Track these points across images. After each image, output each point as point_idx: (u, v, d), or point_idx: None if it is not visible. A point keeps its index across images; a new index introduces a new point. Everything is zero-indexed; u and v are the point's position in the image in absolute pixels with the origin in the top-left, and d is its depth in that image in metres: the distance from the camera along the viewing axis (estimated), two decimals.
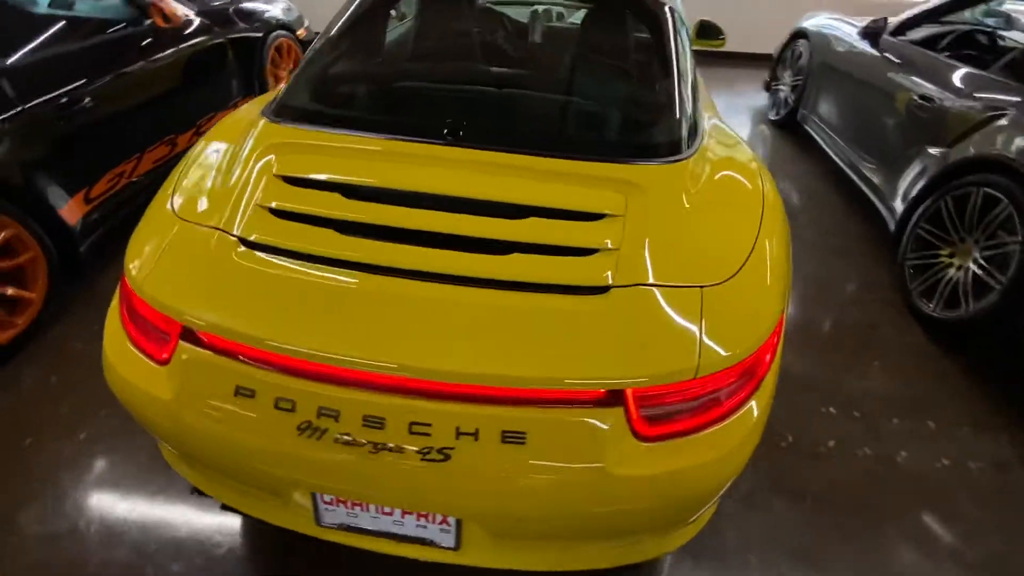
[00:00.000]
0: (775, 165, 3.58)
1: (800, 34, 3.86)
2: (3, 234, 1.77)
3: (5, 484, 1.48)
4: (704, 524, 1.16)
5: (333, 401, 0.86)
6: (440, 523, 0.97)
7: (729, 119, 4.23)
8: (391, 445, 0.84)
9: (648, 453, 0.88)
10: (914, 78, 2.60)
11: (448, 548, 1.02)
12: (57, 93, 1.98)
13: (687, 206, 1.12)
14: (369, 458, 0.85)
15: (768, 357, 1.01)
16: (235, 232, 1.01)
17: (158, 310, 0.94)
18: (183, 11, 2.47)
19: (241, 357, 0.89)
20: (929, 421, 1.82)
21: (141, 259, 1.04)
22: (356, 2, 1.49)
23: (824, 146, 3.40)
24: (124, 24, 2.38)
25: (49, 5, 2.57)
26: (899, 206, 2.49)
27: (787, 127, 4.06)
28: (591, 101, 1.43)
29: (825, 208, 3.11)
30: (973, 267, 2.06)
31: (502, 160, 1.12)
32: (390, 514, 0.97)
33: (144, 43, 2.38)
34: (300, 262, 0.96)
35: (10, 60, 1.91)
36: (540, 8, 1.82)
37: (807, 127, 3.69)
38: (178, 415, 0.93)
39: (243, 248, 0.99)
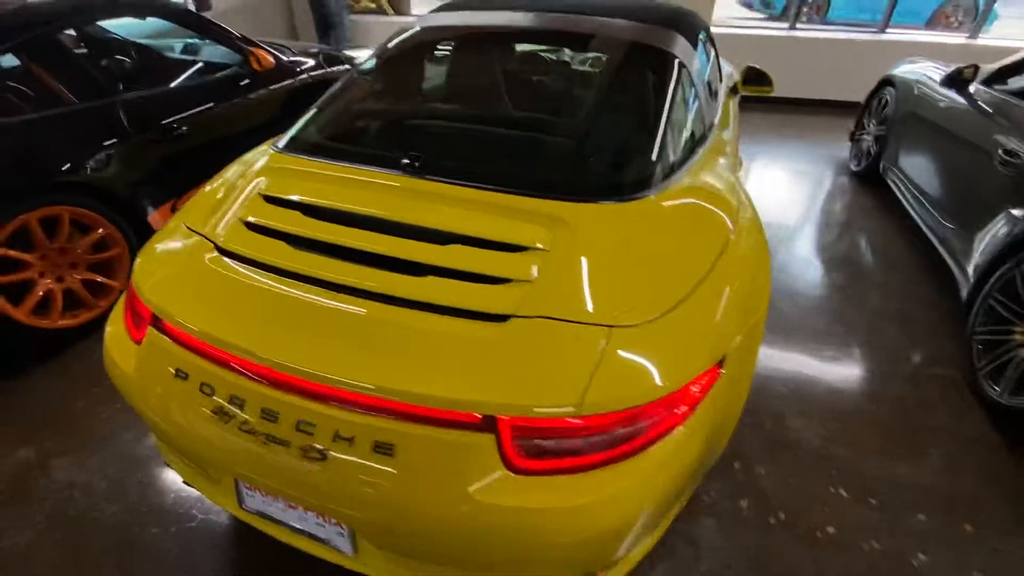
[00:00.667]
0: (851, 219, 3.29)
1: (888, 81, 3.57)
2: (101, 232, 2.17)
3: (54, 435, 1.78)
4: None
5: (241, 391, 0.96)
6: (335, 525, 1.02)
7: (808, 169, 3.97)
8: (279, 438, 0.92)
9: (518, 485, 0.87)
10: (1002, 130, 2.30)
11: (346, 553, 1.06)
12: (165, 122, 2.41)
13: (626, 247, 1.11)
14: (263, 447, 0.94)
15: (682, 408, 0.96)
16: (213, 239, 1.18)
17: (139, 297, 1.12)
18: (273, 58, 2.90)
19: (182, 343, 1.03)
20: (967, 524, 1.54)
21: (146, 254, 1.25)
22: (367, 61, 1.71)
23: (903, 200, 3.07)
24: (228, 67, 2.86)
25: (181, 51, 3.17)
26: (973, 272, 2.18)
27: (868, 179, 3.73)
28: (550, 141, 1.48)
29: (897, 269, 2.79)
30: None
31: (449, 192, 1.20)
32: (296, 508, 1.04)
33: (240, 83, 2.82)
34: (251, 268, 1.10)
35: (130, 95, 2.37)
36: (544, 54, 1.91)
37: (888, 179, 3.37)
38: (137, 388, 1.09)
39: (215, 254, 1.16)
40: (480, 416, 0.88)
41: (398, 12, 6.45)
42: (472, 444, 0.87)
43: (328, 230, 1.13)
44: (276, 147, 1.45)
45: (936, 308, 2.46)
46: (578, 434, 0.88)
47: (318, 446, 0.91)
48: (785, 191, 3.67)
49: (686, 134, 1.52)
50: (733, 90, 2.62)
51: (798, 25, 5.56)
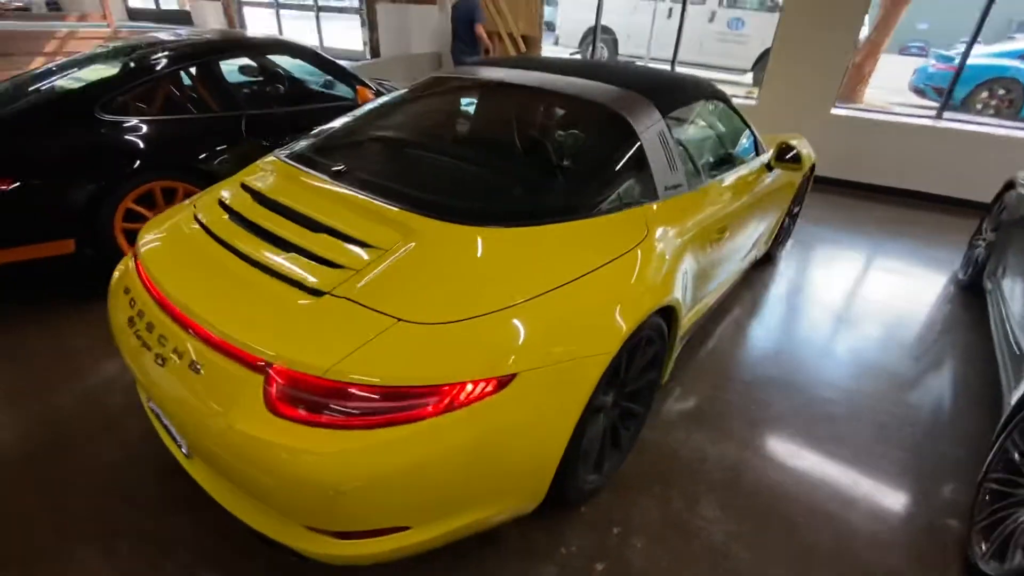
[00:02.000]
0: (927, 334, 2.83)
1: (1011, 184, 3.05)
2: None
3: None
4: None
5: (146, 307, 1.30)
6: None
7: (909, 270, 3.62)
8: (149, 344, 1.24)
9: (269, 422, 1.05)
10: None
11: (185, 454, 1.32)
12: (274, 136, 3.09)
13: (451, 260, 1.25)
14: (141, 347, 1.26)
15: (431, 402, 1.06)
16: (194, 209, 1.59)
17: (135, 244, 1.56)
18: (374, 93, 3.53)
19: (137, 272, 1.42)
20: None
21: (160, 214, 1.71)
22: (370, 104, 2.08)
23: (991, 318, 2.57)
24: (343, 99, 3.55)
25: (319, 84, 3.99)
26: (1011, 406, 1.78)
27: (971, 291, 3.16)
28: (451, 169, 1.65)
29: (953, 396, 2.35)
30: None
31: (345, 195, 1.46)
32: (160, 410, 1.33)
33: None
34: (200, 231, 1.47)
35: (254, 111, 3.09)
36: (517, 105, 2.10)
37: (986, 293, 2.83)
38: (110, 296, 1.51)
39: (191, 218, 1.56)
40: (261, 360, 1.09)
41: None
42: (248, 380, 1.09)
43: (253, 210, 1.46)
44: (278, 153, 1.87)
45: (980, 447, 2.02)
46: (322, 393, 1.04)
47: (164, 355, 1.20)
48: (874, 290, 3.25)
49: (606, 185, 1.61)
50: (768, 166, 2.53)
51: (946, 116, 4.94)
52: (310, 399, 1.05)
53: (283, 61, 3.71)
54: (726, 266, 2.37)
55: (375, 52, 7.55)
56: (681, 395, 2.21)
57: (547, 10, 8.29)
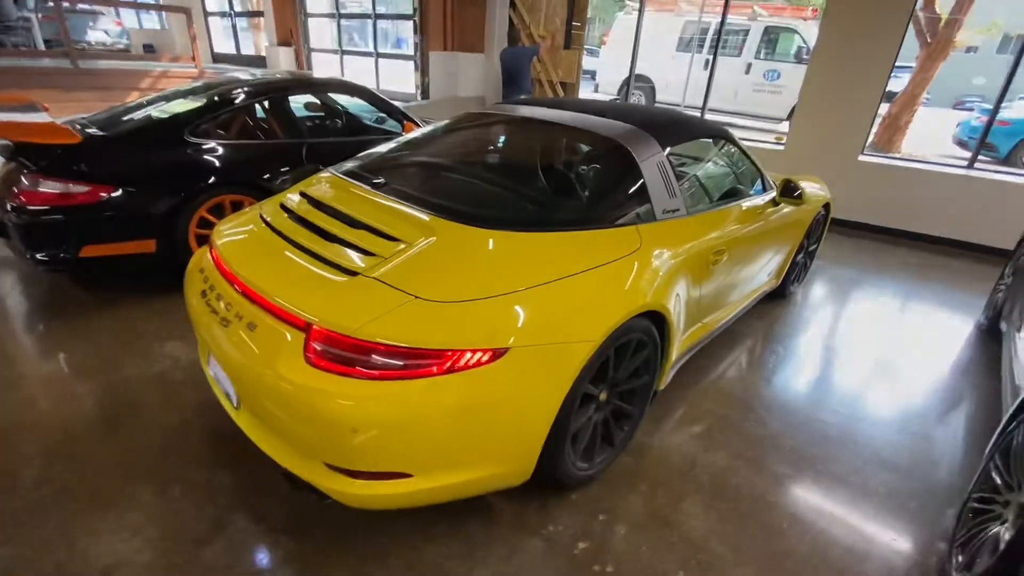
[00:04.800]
0: (959, 373, 2.85)
1: None
2: None
3: (173, 328, 2.72)
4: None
5: (217, 283, 1.61)
6: (230, 381, 1.55)
7: (933, 315, 3.60)
8: (218, 311, 1.53)
9: (305, 371, 1.30)
10: None
11: (234, 405, 1.59)
12: (327, 161, 3.51)
13: (464, 254, 1.51)
14: (211, 315, 1.55)
15: (436, 364, 1.29)
16: (261, 211, 1.92)
17: (211, 236, 1.89)
18: (417, 127, 3.95)
19: (211, 256, 1.74)
20: None
21: (231, 215, 2.05)
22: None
23: (1003, 357, 2.58)
24: (391, 133, 3.98)
25: (374, 121, 4.46)
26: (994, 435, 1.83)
27: (990, 334, 3.15)
28: (474, 185, 1.95)
29: (956, 430, 2.37)
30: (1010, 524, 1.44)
31: (384, 201, 1.75)
32: (219, 366, 1.61)
33: None
34: (264, 227, 1.78)
35: (314, 140, 3.53)
36: (540, 136, 2.41)
37: (1002, 334, 2.83)
38: (187, 282, 1.83)
39: (258, 217, 1.88)
40: (303, 321, 1.35)
41: None
42: (292, 337, 1.35)
43: (307, 211, 1.77)
44: (332, 168, 2.20)
45: (964, 476, 2.05)
46: (348, 349, 1.29)
47: (227, 318, 1.49)
48: (892, 328, 3.30)
49: (605, 204, 1.86)
50: (775, 201, 2.71)
51: (978, 165, 4.95)
52: (339, 354, 1.30)
53: (342, 99, 4.19)
54: (731, 291, 2.52)
55: (425, 94, 8.20)
56: (682, 408, 2.34)
57: (588, 60, 8.80)
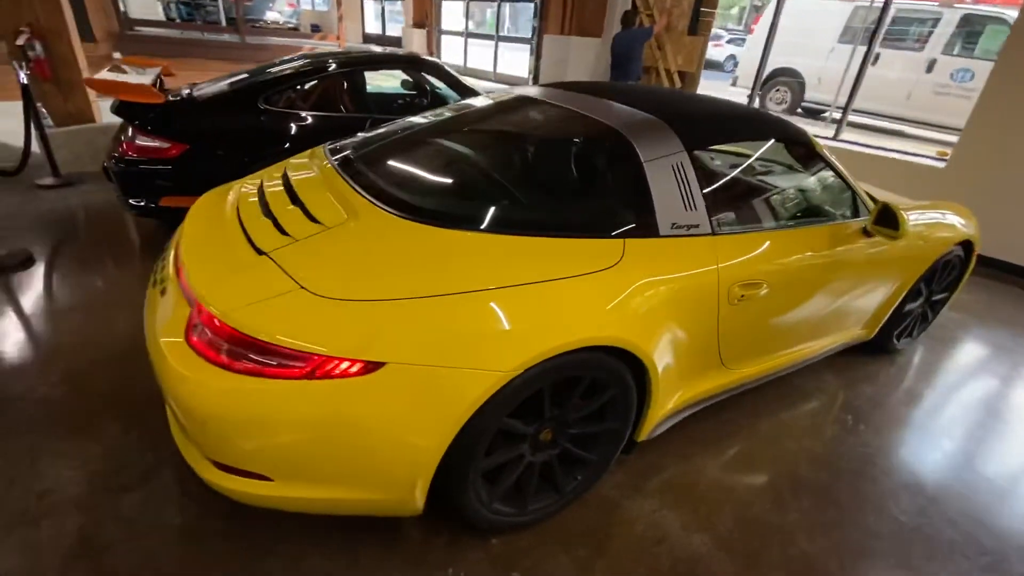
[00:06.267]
0: (983, 417, 2.02)
1: None
2: None
3: None
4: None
5: (167, 254, 1.62)
6: None
7: (1003, 344, 2.69)
8: (157, 272, 1.54)
9: (178, 347, 1.24)
10: None
11: None
12: None
13: (383, 251, 1.32)
14: (151, 279, 1.57)
15: (299, 369, 1.14)
16: (245, 181, 1.92)
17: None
18: None
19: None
20: None
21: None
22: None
23: None
24: None
25: (443, 97, 4.40)
26: None
27: None
28: (439, 171, 1.72)
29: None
30: None
31: (333, 180, 1.63)
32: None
33: None
34: (231, 199, 1.75)
35: (377, 115, 3.56)
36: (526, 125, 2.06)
37: None
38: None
39: (231, 190, 1.86)
40: (194, 296, 1.28)
41: None
42: (184, 310, 1.29)
43: (271, 184, 1.72)
44: (326, 144, 2.12)
45: None
46: (216, 332, 1.19)
47: (156, 279, 1.49)
48: (962, 362, 2.46)
49: (578, 208, 1.53)
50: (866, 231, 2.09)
51: None
52: (210, 337, 1.21)
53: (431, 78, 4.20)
54: (778, 335, 2.01)
55: (536, 79, 8.03)
56: (679, 468, 1.92)
57: (732, 48, 7.87)
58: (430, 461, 1.26)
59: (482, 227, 1.40)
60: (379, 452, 1.23)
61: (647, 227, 1.57)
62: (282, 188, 1.66)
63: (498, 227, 1.41)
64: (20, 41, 4.11)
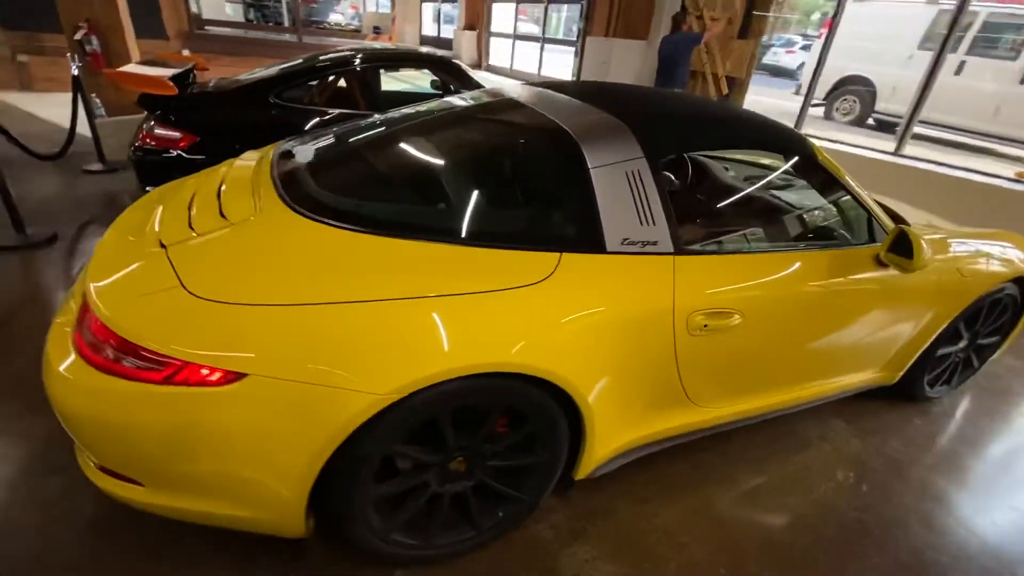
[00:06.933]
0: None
1: None
2: None
3: None
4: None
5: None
6: None
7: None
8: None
9: (61, 343, 1.20)
10: None
11: None
12: None
13: (273, 251, 1.23)
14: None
15: (157, 373, 1.06)
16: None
17: None
18: None
19: None
20: None
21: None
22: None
23: None
24: None
25: None
26: None
27: None
28: (366, 171, 1.60)
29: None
30: None
31: (264, 176, 1.55)
32: None
33: None
34: (178, 190, 1.74)
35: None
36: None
37: None
38: None
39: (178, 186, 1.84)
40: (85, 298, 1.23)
41: None
42: (79, 303, 1.25)
43: (211, 175, 1.68)
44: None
45: None
46: (90, 327, 1.13)
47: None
48: (1014, 421, 2.05)
49: (504, 216, 1.38)
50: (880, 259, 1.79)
51: None
52: (85, 329, 1.16)
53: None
54: (759, 375, 1.76)
55: None
56: (629, 511, 1.71)
57: (803, 56, 7.37)
58: (301, 484, 1.15)
59: (386, 230, 1.28)
60: (243, 469, 1.13)
61: (591, 241, 1.39)
62: (218, 181, 1.62)
63: (405, 231, 1.28)
64: (78, 36, 4.43)
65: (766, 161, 2.33)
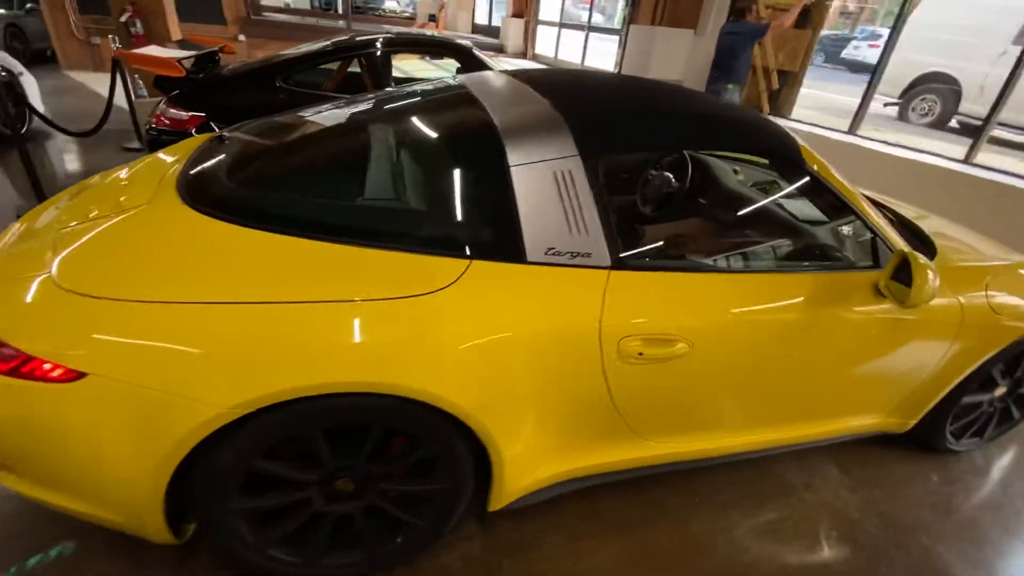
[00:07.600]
0: None
1: None
2: None
3: None
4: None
5: None
6: None
7: None
8: None
9: None
10: None
11: None
12: None
13: (150, 243, 1.16)
14: None
15: (4, 363, 1.01)
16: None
17: None
18: None
19: None
20: None
21: None
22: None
23: None
24: None
25: None
26: None
27: None
28: (285, 162, 1.50)
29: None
30: None
31: (175, 167, 1.49)
32: None
33: None
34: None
35: None
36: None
37: None
38: None
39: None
40: None
41: (777, 115, 5.98)
42: None
43: (149, 159, 1.64)
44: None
45: None
46: None
47: None
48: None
49: (407, 217, 1.25)
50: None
51: None
52: None
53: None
54: (723, 410, 1.54)
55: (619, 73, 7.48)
56: (557, 549, 1.55)
57: (875, 50, 6.72)
58: (151, 491, 1.08)
59: (267, 225, 1.17)
60: (90, 470, 1.07)
61: (508, 249, 1.23)
62: (141, 166, 1.57)
63: (289, 226, 1.17)
64: (123, 18, 4.65)
65: (760, 173, 2.06)
